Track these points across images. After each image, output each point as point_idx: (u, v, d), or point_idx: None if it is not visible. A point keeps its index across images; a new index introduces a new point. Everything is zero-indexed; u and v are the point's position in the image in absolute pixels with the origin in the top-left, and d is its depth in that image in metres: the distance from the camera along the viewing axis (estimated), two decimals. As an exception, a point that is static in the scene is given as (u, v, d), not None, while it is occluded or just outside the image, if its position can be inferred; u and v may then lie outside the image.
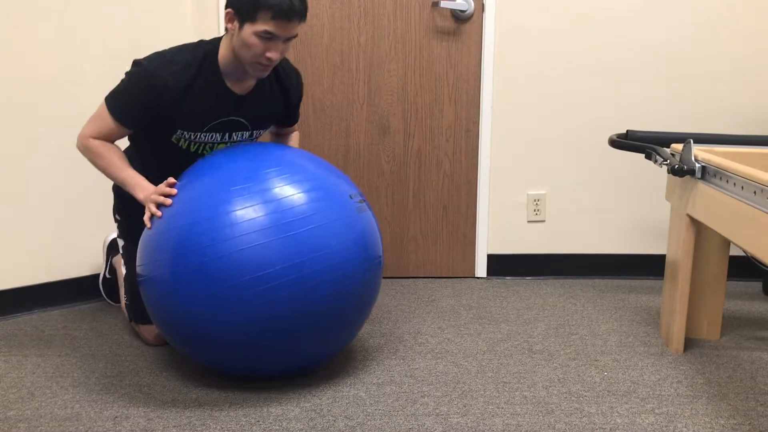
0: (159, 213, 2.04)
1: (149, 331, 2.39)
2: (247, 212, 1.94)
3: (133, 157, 2.30)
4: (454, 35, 3.06)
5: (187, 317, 1.99)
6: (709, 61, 3.09)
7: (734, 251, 2.54)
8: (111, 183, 2.80)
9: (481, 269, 3.23)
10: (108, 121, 2.19)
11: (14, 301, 2.68)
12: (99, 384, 2.16)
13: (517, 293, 3.03)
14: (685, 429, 1.95)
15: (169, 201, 2.05)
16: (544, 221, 3.20)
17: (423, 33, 3.05)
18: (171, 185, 2.08)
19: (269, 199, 1.97)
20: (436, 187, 3.17)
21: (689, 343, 2.48)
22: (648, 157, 2.38)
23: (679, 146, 2.34)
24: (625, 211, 3.21)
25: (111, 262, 2.76)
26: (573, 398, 2.11)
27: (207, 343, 2.03)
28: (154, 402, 2.05)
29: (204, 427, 1.92)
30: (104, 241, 2.80)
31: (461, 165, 3.15)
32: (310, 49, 3.04)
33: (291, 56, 3.03)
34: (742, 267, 3.01)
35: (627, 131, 2.65)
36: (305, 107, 3.06)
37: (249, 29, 2.07)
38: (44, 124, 2.65)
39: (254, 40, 2.08)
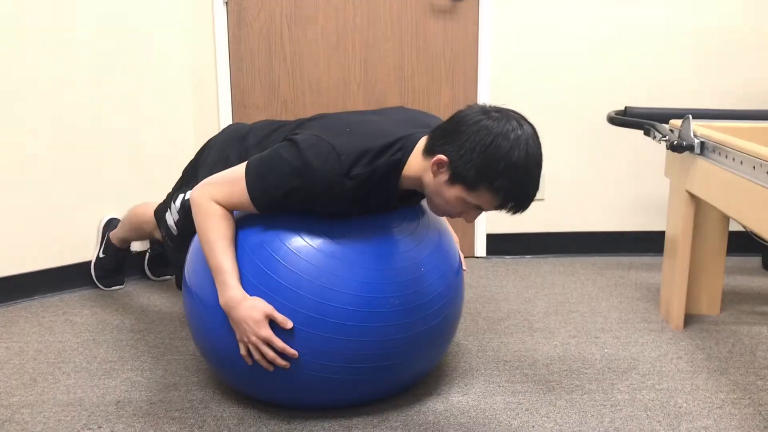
0: (271, 368, 1.76)
1: None
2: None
3: (252, 145, 1.93)
4: (450, 13, 3.03)
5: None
6: (707, 36, 3.07)
7: (733, 226, 2.54)
8: (110, 168, 2.82)
9: (480, 249, 3.23)
10: (242, 200, 1.77)
11: (14, 288, 2.68)
12: (101, 369, 2.16)
13: (517, 272, 3.04)
14: (685, 404, 1.96)
15: (284, 363, 1.74)
16: (543, 200, 3.20)
17: (419, 12, 3.03)
18: (287, 327, 1.73)
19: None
20: (434, 167, 3.15)
21: (689, 319, 2.49)
22: (647, 133, 2.37)
23: (677, 122, 2.33)
24: (625, 188, 3.20)
25: (108, 236, 2.76)
26: (573, 375, 2.11)
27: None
28: (156, 386, 2.06)
29: (206, 410, 1.92)
30: (100, 222, 2.80)
31: (459, 144, 3.14)
32: (305, 29, 3.01)
33: (285, 37, 3.01)
34: (742, 242, 3.01)
35: (625, 108, 2.64)
36: (301, 89, 3.05)
37: (460, 192, 1.66)
38: (42, 112, 2.64)
39: (458, 203, 1.69)
